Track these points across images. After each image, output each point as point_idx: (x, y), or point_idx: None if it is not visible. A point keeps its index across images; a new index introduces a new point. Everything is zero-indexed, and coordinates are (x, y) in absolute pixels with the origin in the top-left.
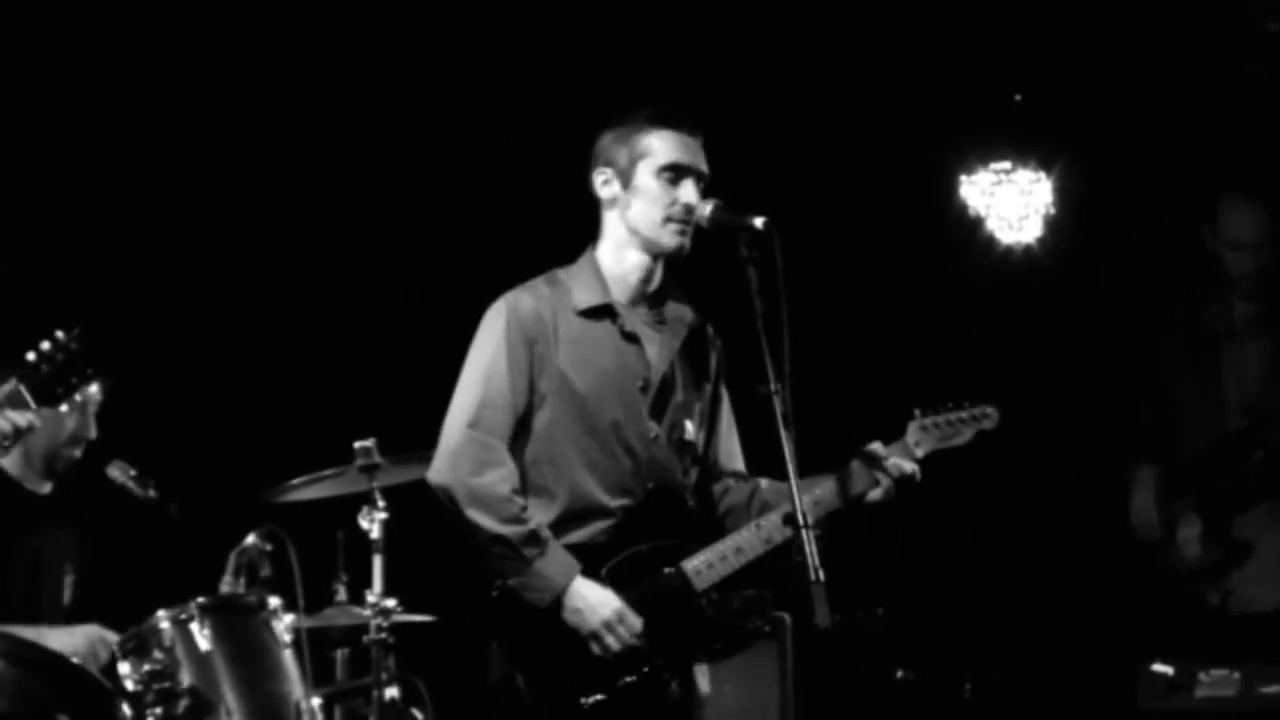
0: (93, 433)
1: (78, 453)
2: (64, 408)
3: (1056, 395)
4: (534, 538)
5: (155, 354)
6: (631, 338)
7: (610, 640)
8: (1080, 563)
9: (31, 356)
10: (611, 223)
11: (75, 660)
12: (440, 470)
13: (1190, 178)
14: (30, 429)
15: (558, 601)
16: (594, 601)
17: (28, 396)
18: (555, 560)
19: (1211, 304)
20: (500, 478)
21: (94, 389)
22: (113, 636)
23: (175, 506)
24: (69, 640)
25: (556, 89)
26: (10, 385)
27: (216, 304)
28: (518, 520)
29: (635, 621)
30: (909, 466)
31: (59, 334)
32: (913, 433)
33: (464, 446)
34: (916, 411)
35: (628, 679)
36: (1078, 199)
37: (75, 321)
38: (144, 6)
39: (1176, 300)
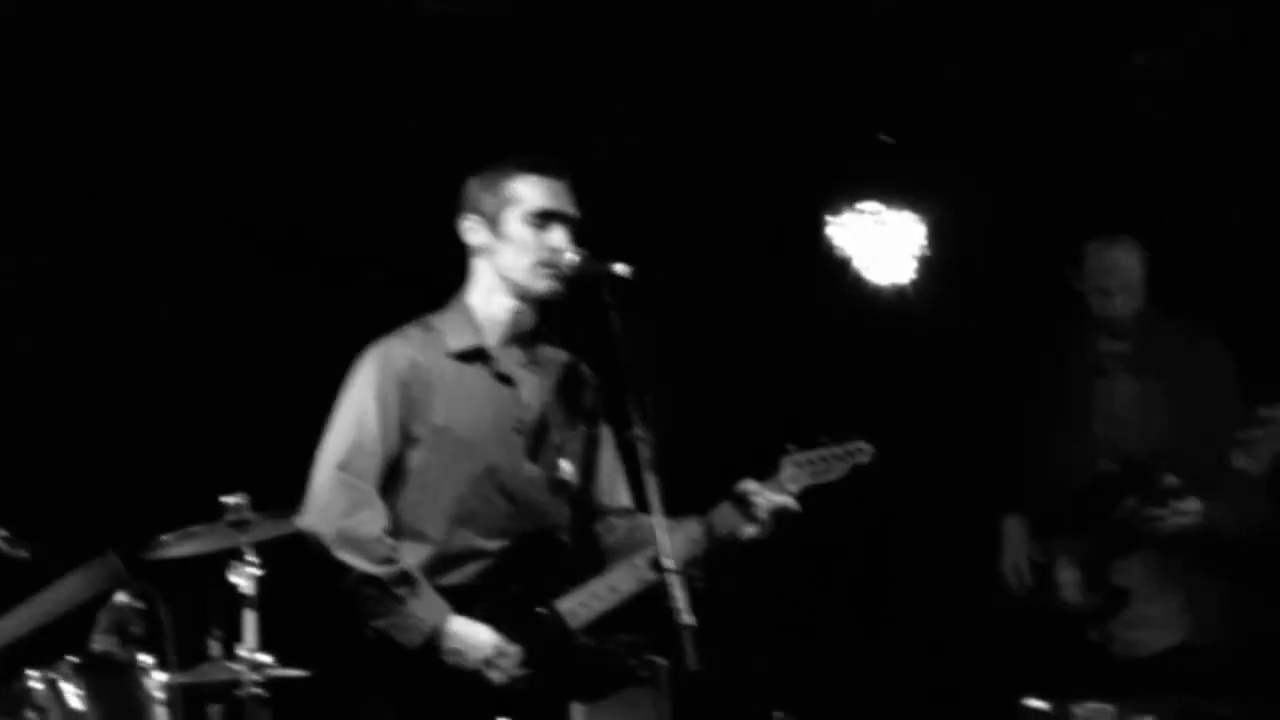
0: None
1: None
2: None
3: (930, 432)
4: (405, 578)
5: (19, 407)
6: (505, 379)
7: (494, 675)
8: (958, 599)
9: None
10: (481, 269)
11: None
12: (311, 513)
13: (1064, 216)
14: None
15: (428, 643)
16: (471, 640)
17: None
18: (426, 601)
19: (1080, 344)
20: (370, 518)
21: None
22: None
23: (48, 565)
24: None
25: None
26: None
27: (85, 358)
28: (388, 560)
29: (515, 653)
30: (781, 499)
31: None
32: (786, 469)
33: (334, 489)
34: (790, 447)
35: None
36: (950, 239)
37: None
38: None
39: (1047, 340)
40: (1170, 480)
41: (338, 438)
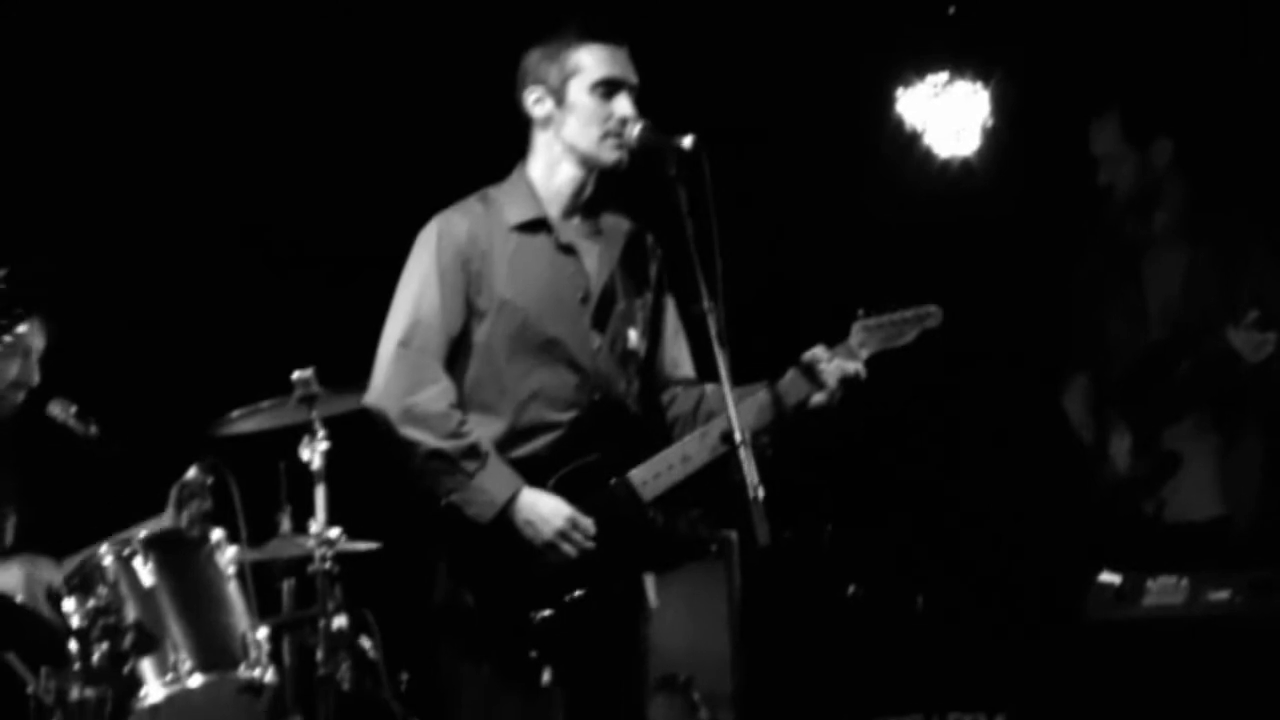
0: (35, 379)
1: (20, 397)
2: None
3: (996, 307)
4: (474, 451)
5: (91, 290)
6: (568, 249)
7: (567, 548)
8: (1025, 474)
9: None
10: (545, 141)
11: (19, 598)
12: (375, 391)
13: (1124, 86)
14: None
15: (500, 516)
16: (545, 512)
17: None
18: (496, 474)
19: (1132, 213)
20: (436, 394)
21: (24, 329)
22: (47, 562)
23: (117, 443)
24: (5, 577)
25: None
26: None
27: (151, 238)
28: (456, 435)
29: (588, 524)
30: (852, 366)
31: None
32: (856, 334)
33: (397, 366)
34: (860, 312)
35: (577, 593)
36: (1014, 111)
37: (2, 263)
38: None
39: (1101, 210)
40: (1253, 314)
41: (399, 314)
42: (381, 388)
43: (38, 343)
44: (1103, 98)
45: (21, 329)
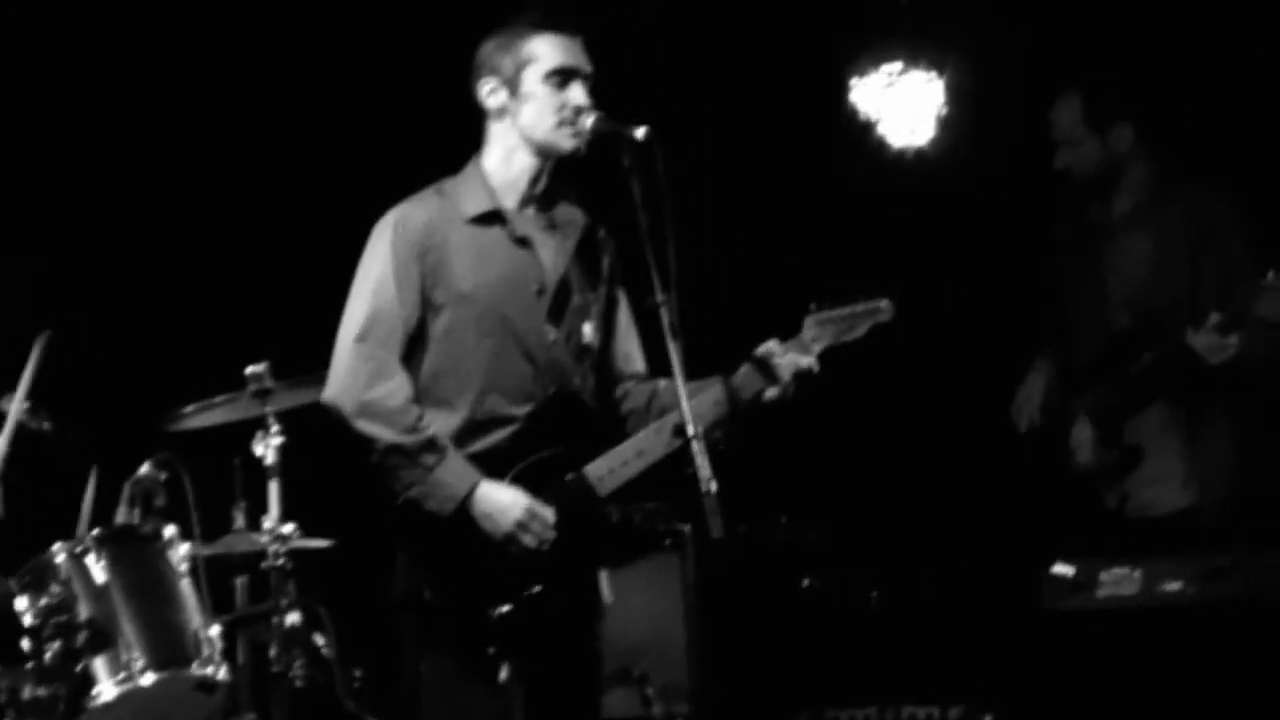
0: None
1: None
2: None
3: (954, 296)
4: (431, 445)
5: (42, 284)
6: (523, 242)
7: (527, 539)
8: (980, 464)
9: None
10: (500, 131)
11: None
12: (332, 387)
13: (1083, 70)
14: None
15: (460, 509)
16: (503, 503)
17: None
18: (454, 468)
19: (1093, 198)
20: (392, 389)
21: None
22: None
23: (72, 436)
24: None
25: None
26: None
27: (107, 232)
28: (413, 430)
29: (547, 515)
30: (805, 360)
31: None
32: (809, 328)
33: (354, 362)
34: (812, 306)
35: (535, 589)
36: (969, 97)
37: None
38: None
39: (1062, 197)
40: (1214, 316)
41: (355, 309)
42: (338, 383)
43: None
44: (1061, 82)
45: None
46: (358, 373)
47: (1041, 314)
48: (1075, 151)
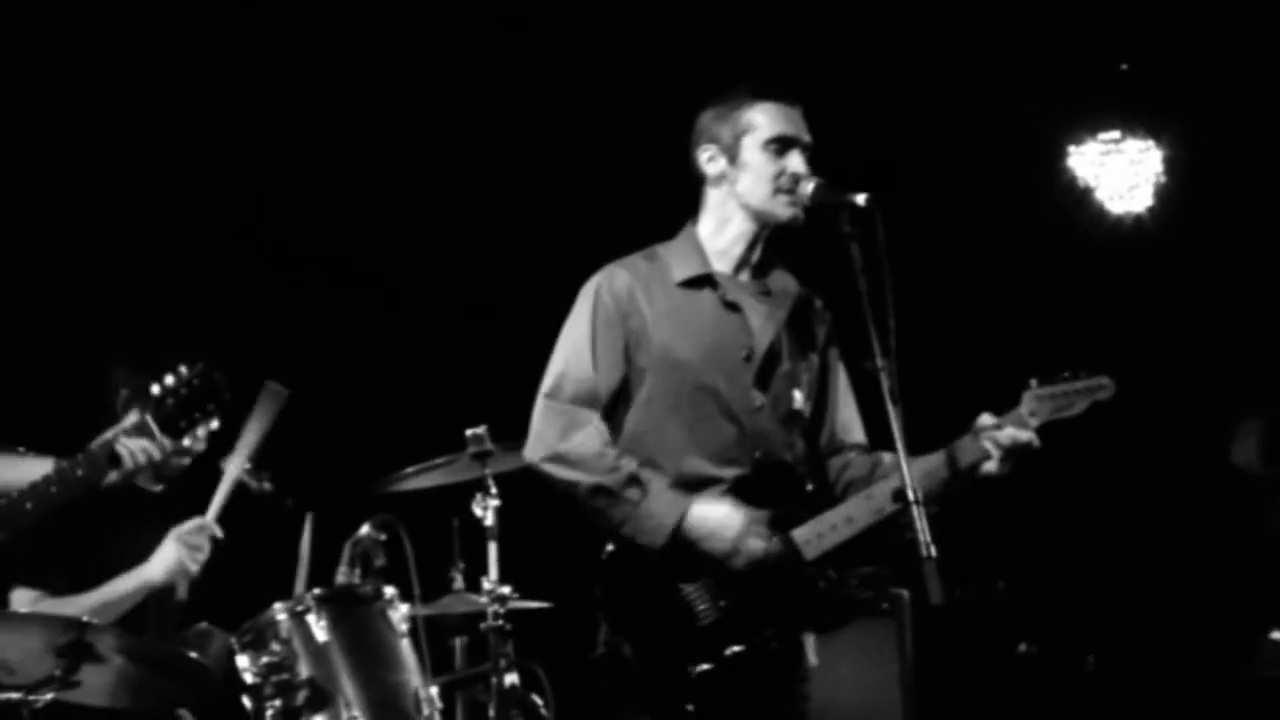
0: (202, 447)
1: (186, 461)
2: (186, 441)
3: (1168, 364)
4: (634, 480)
5: (267, 344)
6: (733, 307)
7: (754, 543)
8: (1195, 533)
9: (156, 390)
10: (717, 198)
11: (193, 656)
12: (529, 445)
13: None
14: (156, 459)
15: (674, 538)
16: (718, 518)
17: (154, 427)
18: (663, 498)
19: None
20: (586, 436)
21: (212, 427)
22: (191, 525)
23: (290, 498)
24: (160, 564)
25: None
26: (136, 416)
27: (325, 297)
28: (613, 469)
29: (763, 514)
30: (1024, 435)
31: (183, 369)
32: (1027, 402)
33: (545, 416)
34: (1032, 382)
35: (735, 648)
36: (1186, 167)
37: (198, 356)
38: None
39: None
40: None
41: (553, 367)
42: (533, 440)
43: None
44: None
45: (206, 430)
46: (549, 426)
47: (1252, 380)
48: None
